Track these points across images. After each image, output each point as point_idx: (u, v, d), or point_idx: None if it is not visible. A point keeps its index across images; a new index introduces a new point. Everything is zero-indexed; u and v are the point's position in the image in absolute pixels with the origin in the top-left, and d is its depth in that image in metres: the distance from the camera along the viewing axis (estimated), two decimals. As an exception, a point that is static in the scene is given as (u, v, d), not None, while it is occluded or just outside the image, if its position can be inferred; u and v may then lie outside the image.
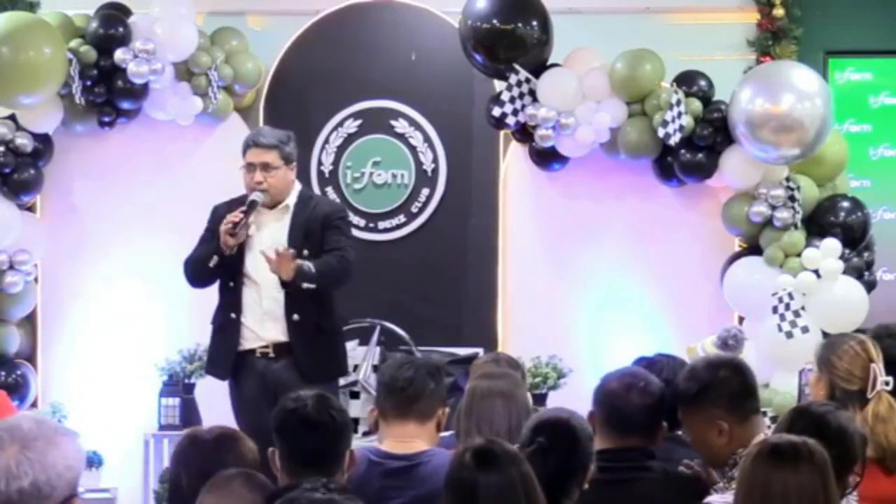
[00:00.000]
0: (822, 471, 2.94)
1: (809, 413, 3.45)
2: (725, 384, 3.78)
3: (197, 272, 5.90)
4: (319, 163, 7.47)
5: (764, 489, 2.93)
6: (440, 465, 3.11)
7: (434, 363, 4.41)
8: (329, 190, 7.43)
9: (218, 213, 5.95)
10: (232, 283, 5.85)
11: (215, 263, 5.75)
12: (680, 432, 4.37)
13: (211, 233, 5.90)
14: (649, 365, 4.27)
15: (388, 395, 4.04)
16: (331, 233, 5.84)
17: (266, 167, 5.80)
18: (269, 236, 5.82)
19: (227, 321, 5.87)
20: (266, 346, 5.82)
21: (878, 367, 4.16)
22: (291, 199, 5.89)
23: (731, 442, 3.72)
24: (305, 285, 5.62)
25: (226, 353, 5.88)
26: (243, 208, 5.75)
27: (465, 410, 4.18)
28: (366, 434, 6.39)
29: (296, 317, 5.77)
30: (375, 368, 6.76)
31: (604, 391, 3.91)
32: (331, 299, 5.89)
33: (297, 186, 5.97)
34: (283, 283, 5.68)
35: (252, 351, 5.83)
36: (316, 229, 5.82)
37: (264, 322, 5.82)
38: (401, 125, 7.45)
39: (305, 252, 5.74)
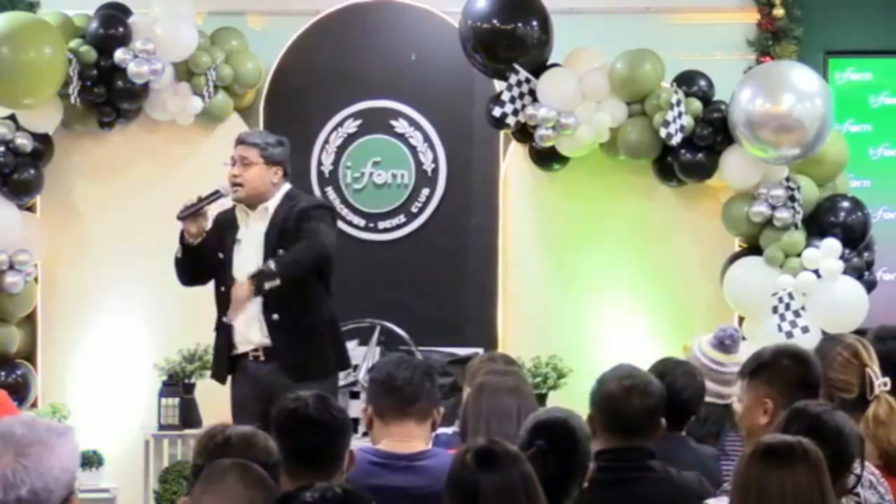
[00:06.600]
0: (817, 470, 2.94)
1: (806, 413, 3.44)
2: (788, 371, 3.82)
3: (175, 267, 5.96)
4: (319, 163, 7.45)
5: (760, 489, 2.92)
6: (444, 465, 3.10)
7: (429, 363, 4.40)
8: (329, 190, 7.42)
9: (216, 220, 6.00)
10: (223, 288, 5.86)
11: (179, 252, 5.87)
12: (684, 433, 4.36)
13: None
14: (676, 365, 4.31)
15: (385, 395, 4.01)
16: (304, 224, 5.77)
17: (243, 160, 5.84)
18: (250, 240, 5.85)
19: (220, 325, 5.90)
20: (256, 350, 5.85)
21: (872, 370, 4.14)
22: (273, 202, 5.88)
23: (771, 426, 3.67)
24: (268, 285, 5.58)
25: (221, 357, 5.96)
26: (200, 193, 5.80)
27: (472, 407, 4.15)
28: (365, 434, 6.37)
29: (275, 317, 5.77)
30: (375, 368, 6.75)
31: (603, 395, 3.83)
32: (312, 294, 5.83)
33: (284, 189, 5.94)
34: (257, 291, 5.63)
35: (245, 354, 5.88)
36: (291, 226, 5.79)
37: (251, 325, 5.83)
38: (401, 125, 7.44)
39: (281, 251, 5.73)
